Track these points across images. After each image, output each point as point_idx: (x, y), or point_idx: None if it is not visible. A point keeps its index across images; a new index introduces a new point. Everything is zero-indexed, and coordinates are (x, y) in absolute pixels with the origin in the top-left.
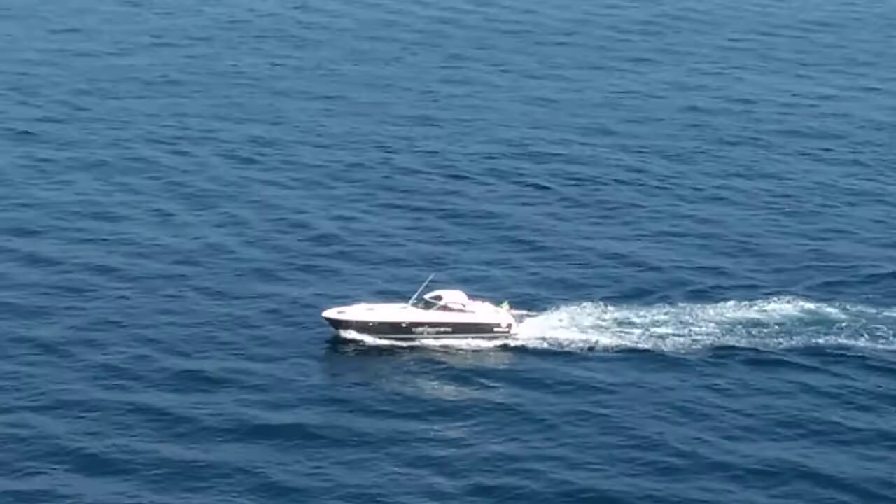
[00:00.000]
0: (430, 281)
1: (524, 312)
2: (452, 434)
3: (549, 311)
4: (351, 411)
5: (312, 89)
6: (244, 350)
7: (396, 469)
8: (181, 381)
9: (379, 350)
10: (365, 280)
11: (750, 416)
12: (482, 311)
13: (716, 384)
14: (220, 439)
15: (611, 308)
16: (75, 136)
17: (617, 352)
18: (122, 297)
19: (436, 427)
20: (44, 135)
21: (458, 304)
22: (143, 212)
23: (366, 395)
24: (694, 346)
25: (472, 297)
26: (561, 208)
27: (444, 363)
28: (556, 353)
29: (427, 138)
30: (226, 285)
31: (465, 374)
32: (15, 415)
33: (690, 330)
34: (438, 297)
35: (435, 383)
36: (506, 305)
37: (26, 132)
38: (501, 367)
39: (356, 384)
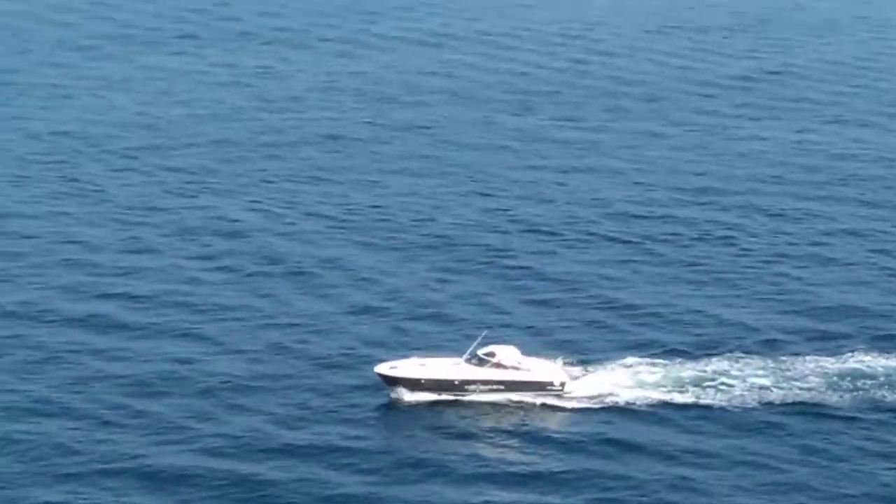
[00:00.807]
0: (484, 336)
1: (580, 369)
2: (504, 500)
3: (608, 368)
4: (401, 478)
5: (408, 149)
6: (306, 412)
7: None
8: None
9: (429, 406)
10: (443, 340)
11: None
12: (536, 369)
13: (813, 444)
14: None
15: (673, 365)
16: (167, 200)
17: (684, 410)
18: (213, 361)
19: (486, 493)
20: (137, 200)
21: (512, 362)
22: (238, 276)
23: (416, 460)
24: (771, 403)
25: (525, 353)
26: (648, 266)
27: (495, 422)
28: (613, 412)
29: (518, 198)
30: (316, 346)
31: (516, 435)
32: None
33: (791, 383)
34: (492, 354)
35: (486, 446)
36: (559, 362)
37: (106, 192)
38: (553, 427)
39: (407, 447)
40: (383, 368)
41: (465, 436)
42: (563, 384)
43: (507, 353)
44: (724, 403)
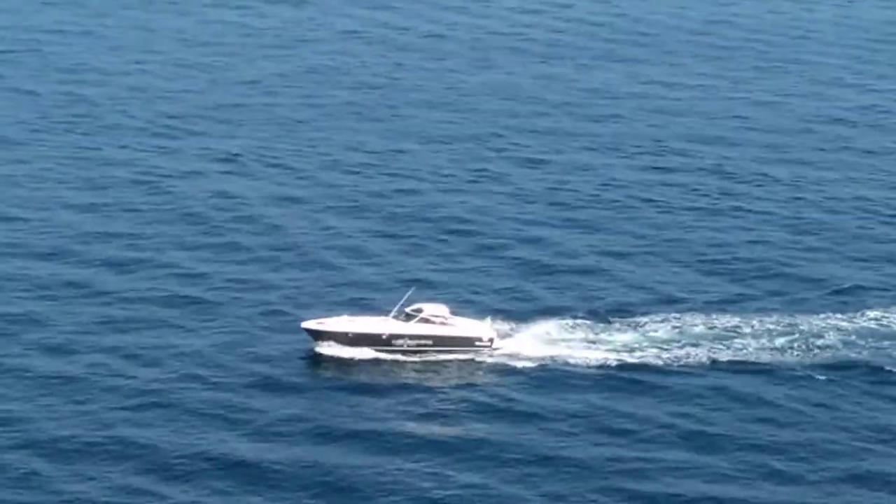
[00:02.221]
0: (413, 292)
1: (510, 327)
2: (425, 466)
3: (538, 327)
4: (323, 441)
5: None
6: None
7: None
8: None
9: (357, 363)
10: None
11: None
12: (463, 325)
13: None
14: (184, 479)
15: (603, 326)
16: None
17: (609, 370)
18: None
19: (410, 458)
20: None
21: (439, 317)
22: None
23: (339, 424)
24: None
25: (454, 311)
26: (600, 232)
27: (422, 379)
28: (539, 370)
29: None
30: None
31: (437, 393)
32: None
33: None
34: (419, 310)
35: (411, 406)
36: (488, 320)
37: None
38: (480, 382)
39: (327, 406)
40: (311, 323)
41: (386, 394)
42: (491, 340)
43: (434, 310)
44: (640, 362)
